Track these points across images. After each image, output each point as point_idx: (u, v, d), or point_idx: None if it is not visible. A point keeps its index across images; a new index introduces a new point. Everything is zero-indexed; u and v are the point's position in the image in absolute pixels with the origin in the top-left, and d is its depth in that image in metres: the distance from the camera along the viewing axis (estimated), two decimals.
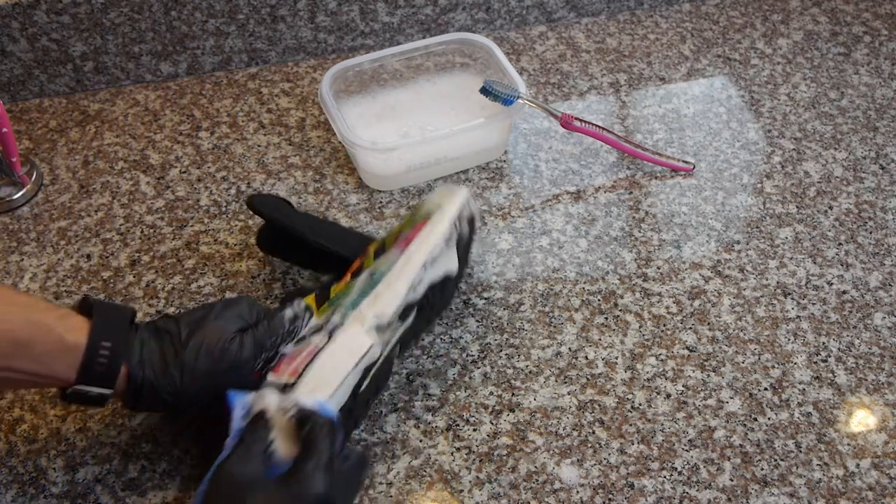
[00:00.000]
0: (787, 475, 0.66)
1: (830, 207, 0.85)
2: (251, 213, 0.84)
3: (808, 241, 0.82)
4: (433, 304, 0.69)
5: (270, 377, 0.61)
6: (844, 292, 0.78)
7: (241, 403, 0.59)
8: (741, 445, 0.68)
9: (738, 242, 0.82)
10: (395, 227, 0.71)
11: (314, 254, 0.72)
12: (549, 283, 0.78)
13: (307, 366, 0.62)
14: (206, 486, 0.56)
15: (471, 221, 0.71)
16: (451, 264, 0.69)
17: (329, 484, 0.56)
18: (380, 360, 0.64)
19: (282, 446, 0.58)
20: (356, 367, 0.62)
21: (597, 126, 0.87)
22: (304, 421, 0.58)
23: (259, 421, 0.58)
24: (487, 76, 0.87)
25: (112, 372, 0.58)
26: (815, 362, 0.73)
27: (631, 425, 0.69)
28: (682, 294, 0.78)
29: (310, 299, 0.66)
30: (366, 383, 0.63)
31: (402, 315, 0.65)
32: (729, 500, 0.65)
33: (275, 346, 0.62)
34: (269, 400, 0.59)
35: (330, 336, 0.63)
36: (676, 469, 0.66)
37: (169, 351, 0.59)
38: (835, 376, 0.72)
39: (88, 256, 0.81)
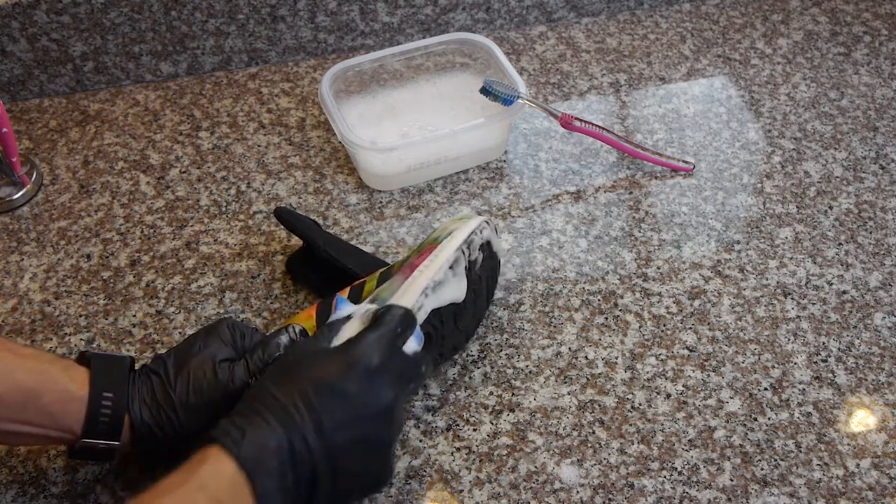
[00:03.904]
0: (787, 475, 0.66)
1: (830, 207, 0.85)
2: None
3: (808, 241, 0.82)
4: (444, 335, 0.68)
5: None
6: (844, 292, 0.78)
7: (340, 311, 0.61)
8: (741, 445, 0.68)
9: (738, 242, 0.82)
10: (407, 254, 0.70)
11: (340, 279, 0.72)
12: (549, 283, 0.78)
13: None
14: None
15: (485, 248, 0.70)
16: (458, 292, 0.67)
17: (385, 359, 0.56)
18: None
19: (352, 328, 0.58)
20: None
21: (597, 126, 0.87)
22: (383, 310, 0.60)
23: (339, 319, 0.60)
24: (487, 76, 0.87)
25: (116, 423, 0.58)
26: (815, 362, 0.73)
27: (631, 425, 0.69)
28: (682, 294, 0.78)
29: (308, 323, 0.65)
30: None
31: None
32: (729, 500, 0.65)
33: None
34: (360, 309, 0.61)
35: None
36: (676, 469, 0.66)
37: (160, 393, 0.60)
38: (835, 376, 0.72)
39: (88, 256, 0.81)
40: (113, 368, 0.60)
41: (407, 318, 0.59)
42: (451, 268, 0.66)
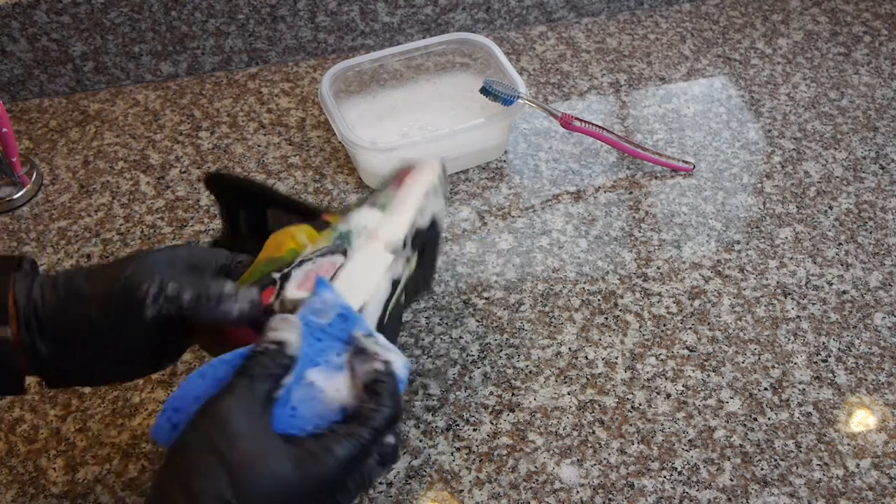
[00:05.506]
0: (787, 475, 0.66)
1: (830, 207, 0.85)
2: None
3: (808, 241, 0.82)
4: (427, 256, 0.64)
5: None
6: (844, 292, 0.78)
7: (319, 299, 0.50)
8: (741, 445, 0.68)
9: (738, 242, 0.82)
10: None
11: (263, 205, 0.65)
12: (549, 283, 0.78)
13: (331, 279, 0.56)
14: (188, 423, 0.43)
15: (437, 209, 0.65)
16: (441, 209, 0.64)
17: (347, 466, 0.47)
18: (400, 286, 0.59)
19: (333, 394, 0.48)
20: (385, 278, 0.57)
21: (597, 126, 0.87)
22: (371, 363, 0.49)
23: (282, 349, 0.47)
24: (487, 76, 0.87)
25: None
26: (815, 362, 0.73)
27: (631, 425, 0.69)
28: (682, 294, 0.78)
29: (306, 231, 0.60)
30: (393, 301, 0.58)
31: (414, 242, 0.61)
32: (729, 500, 0.65)
33: (191, 304, 0.51)
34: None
35: (345, 255, 0.58)
36: (676, 469, 0.66)
37: (62, 278, 0.51)
38: (835, 376, 0.72)
39: (88, 256, 0.81)
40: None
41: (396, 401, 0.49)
42: (438, 179, 0.63)
